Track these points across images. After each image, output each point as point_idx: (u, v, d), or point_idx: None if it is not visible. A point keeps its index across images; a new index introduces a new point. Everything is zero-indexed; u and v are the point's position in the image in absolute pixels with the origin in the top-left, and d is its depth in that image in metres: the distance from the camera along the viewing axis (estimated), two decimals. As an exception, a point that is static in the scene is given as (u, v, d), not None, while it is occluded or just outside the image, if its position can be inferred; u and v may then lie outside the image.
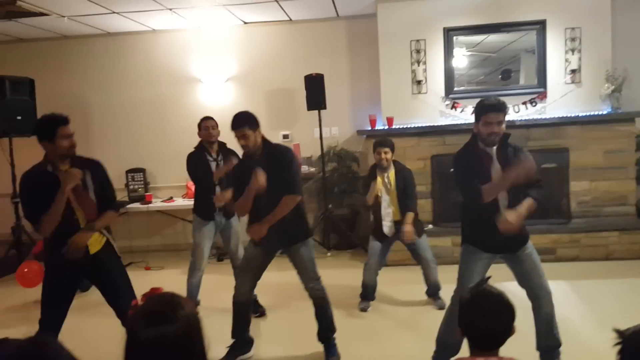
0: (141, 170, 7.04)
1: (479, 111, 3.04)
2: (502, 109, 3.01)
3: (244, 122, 3.37)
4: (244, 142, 3.37)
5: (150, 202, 6.72)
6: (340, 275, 5.71)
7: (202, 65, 7.03)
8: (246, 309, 3.65)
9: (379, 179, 4.54)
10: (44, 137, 3.01)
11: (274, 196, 3.37)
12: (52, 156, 3.04)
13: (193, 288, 4.54)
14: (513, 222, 2.90)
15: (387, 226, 4.53)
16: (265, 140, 3.48)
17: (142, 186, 7.01)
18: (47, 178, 2.99)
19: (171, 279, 5.75)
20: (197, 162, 4.49)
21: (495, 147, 3.04)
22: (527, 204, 3.00)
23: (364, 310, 4.58)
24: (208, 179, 4.43)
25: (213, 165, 4.47)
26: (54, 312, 3.13)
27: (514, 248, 3.12)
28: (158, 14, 6.15)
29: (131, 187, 7.00)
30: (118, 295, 3.15)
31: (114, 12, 5.98)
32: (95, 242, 3.17)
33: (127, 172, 7.00)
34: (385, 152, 4.46)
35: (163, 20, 6.45)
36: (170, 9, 5.95)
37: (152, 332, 1.31)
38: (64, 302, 3.15)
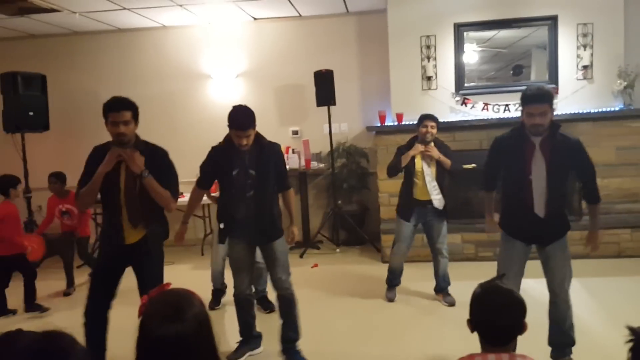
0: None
1: (522, 101, 3.01)
2: (544, 99, 2.92)
3: (250, 122, 3.27)
4: (246, 142, 3.27)
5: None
6: (349, 270, 5.73)
7: (212, 61, 7.05)
8: (249, 304, 3.67)
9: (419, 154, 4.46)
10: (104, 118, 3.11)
11: (263, 190, 3.40)
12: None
13: (215, 273, 4.63)
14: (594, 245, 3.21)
15: (436, 200, 4.47)
16: (257, 134, 3.38)
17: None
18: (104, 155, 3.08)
19: (182, 274, 5.79)
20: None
21: (541, 137, 2.99)
22: (594, 213, 3.21)
23: (391, 300, 4.64)
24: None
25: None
26: (98, 299, 3.19)
27: (544, 242, 3.12)
28: (168, 10, 6.18)
29: (142, 182, 7.01)
30: (144, 287, 3.16)
31: (124, 8, 6.01)
32: (133, 234, 3.20)
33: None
34: (432, 126, 4.41)
35: (173, 16, 6.47)
36: (181, 5, 5.97)
37: (163, 330, 1.33)
38: (108, 289, 3.20)
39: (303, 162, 6.68)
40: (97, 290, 3.20)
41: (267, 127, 6.87)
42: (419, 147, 4.43)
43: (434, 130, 4.43)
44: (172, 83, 7.10)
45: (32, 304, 4.85)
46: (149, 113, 7.07)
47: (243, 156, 3.34)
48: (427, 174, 4.47)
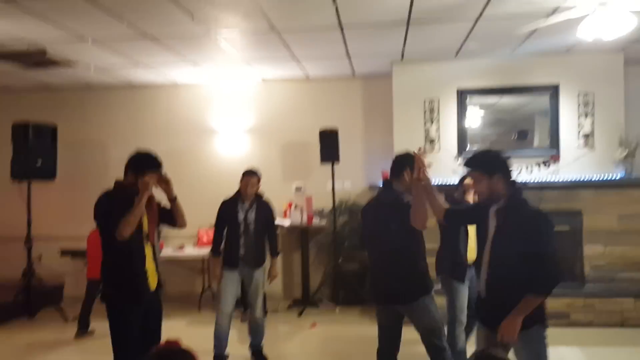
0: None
1: None
2: (471, 164, 2.76)
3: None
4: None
5: (161, 251, 6.72)
6: (349, 331, 5.63)
7: (220, 118, 7.21)
8: None
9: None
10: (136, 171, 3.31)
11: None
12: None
13: (218, 338, 4.53)
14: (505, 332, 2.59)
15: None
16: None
17: (155, 234, 7.04)
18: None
19: (176, 330, 5.67)
20: (227, 210, 4.59)
21: (497, 206, 2.70)
22: (525, 304, 2.57)
23: None
24: (234, 228, 4.53)
25: (241, 216, 4.54)
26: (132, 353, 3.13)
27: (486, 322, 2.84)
28: (180, 66, 6.36)
29: (144, 234, 7.03)
30: (151, 335, 3.20)
31: (137, 66, 6.20)
32: (154, 279, 3.29)
33: (141, 219, 7.06)
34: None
35: (185, 74, 6.67)
36: (193, 63, 6.17)
37: None
38: (138, 341, 3.15)
39: (305, 219, 6.70)
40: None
41: (272, 182, 6.95)
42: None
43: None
44: (180, 138, 7.22)
45: None
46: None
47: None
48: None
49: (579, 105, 6.08)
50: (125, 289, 3.18)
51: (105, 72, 6.49)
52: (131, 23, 4.66)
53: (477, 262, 2.92)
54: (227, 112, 7.20)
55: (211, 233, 4.85)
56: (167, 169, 7.79)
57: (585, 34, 3.78)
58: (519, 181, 2.86)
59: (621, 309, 5.48)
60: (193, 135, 7.26)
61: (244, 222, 4.53)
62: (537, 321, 2.63)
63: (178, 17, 4.47)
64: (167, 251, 6.76)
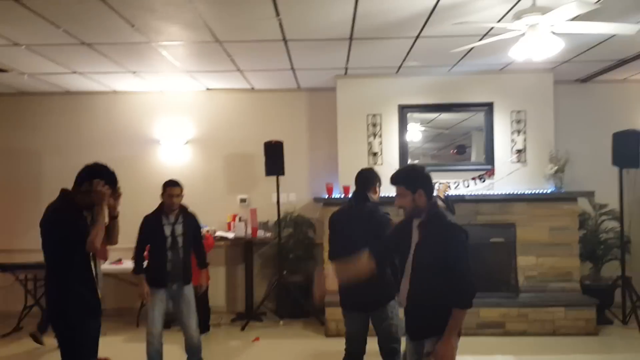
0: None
1: None
2: (396, 180, 2.85)
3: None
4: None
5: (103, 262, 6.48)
6: (292, 345, 5.60)
7: (162, 127, 7.06)
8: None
9: None
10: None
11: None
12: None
13: (150, 358, 4.33)
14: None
15: None
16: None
17: (91, 247, 6.78)
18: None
19: (112, 347, 5.48)
20: (151, 225, 4.38)
21: (420, 219, 2.79)
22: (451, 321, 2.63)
23: None
24: (159, 244, 4.33)
25: (167, 230, 4.35)
26: None
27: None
28: (121, 76, 6.21)
29: (79, 247, 6.76)
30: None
31: (75, 72, 6.00)
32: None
33: (76, 231, 6.80)
34: None
35: (125, 82, 6.51)
36: (133, 72, 6.03)
37: None
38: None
39: (249, 231, 6.65)
40: None
41: (215, 194, 6.90)
42: None
43: None
44: (119, 148, 7.00)
45: None
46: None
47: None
48: None
49: (512, 122, 6.38)
50: (86, 303, 3.09)
51: (40, 78, 6.24)
52: (68, 30, 4.52)
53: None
54: (169, 121, 7.06)
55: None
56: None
57: (517, 54, 3.98)
58: (435, 196, 3.00)
59: (553, 318, 5.73)
60: (133, 145, 7.06)
61: (172, 236, 4.33)
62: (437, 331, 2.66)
63: (117, 25, 4.36)
64: (104, 265, 6.52)
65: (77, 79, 6.33)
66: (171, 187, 4.37)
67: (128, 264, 6.44)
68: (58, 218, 3.05)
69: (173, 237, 4.34)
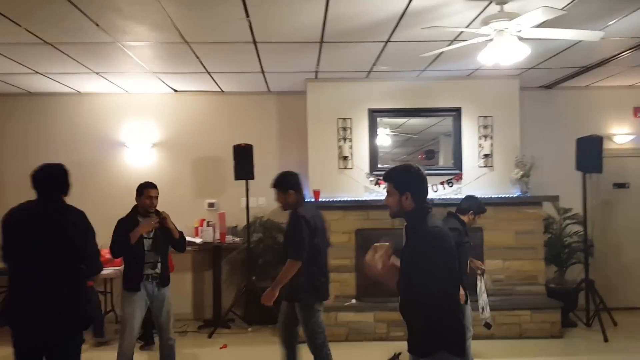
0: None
1: None
2: (385, 178, 2.76)
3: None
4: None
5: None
6: (260, 352, 5.52)
7: (128, 130, 6.90)
8: None
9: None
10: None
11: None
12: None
13: None
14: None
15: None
16: None
17: (52, 253, 6.57)
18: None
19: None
20: (127, 228, 4.26)
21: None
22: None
23: None
24: (137, 246, 4.23)
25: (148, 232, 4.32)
26: None
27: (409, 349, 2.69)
28: (85, 78, 6.04)
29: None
30: None
31: (37, 73, 5.81)
32: None
33: (37, 237, 6.58)
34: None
35: (90, 83, 6.34)
36: (98, 73, 5.87)
37: None
38: None
39: (218, 236, 6.54)
40: None
41: (182, 198, 6.76)
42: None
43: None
44: (83, 151, 6.81)
45: None
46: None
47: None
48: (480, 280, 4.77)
49: (479, 127, 6.47)
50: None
51: (0, 79, 6.02)
52: (30, 29, 4.36)
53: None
54: (135, 123, 6.90)
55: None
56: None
57: (485, 59, 4.02)
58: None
59: (519, 321, 5.81)
60: (98, 148, 6.88)
61: (150, 238, 4.28)
62: (442, 347, 2.47)
63: (82, 24, 4.23)
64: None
65: (39, 80, 6.12)
66: (149, 188, 4.37)
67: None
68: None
69: (151, 238, 4.29)
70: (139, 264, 4.24)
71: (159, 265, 4.31)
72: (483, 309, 4.52)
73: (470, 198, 4.56)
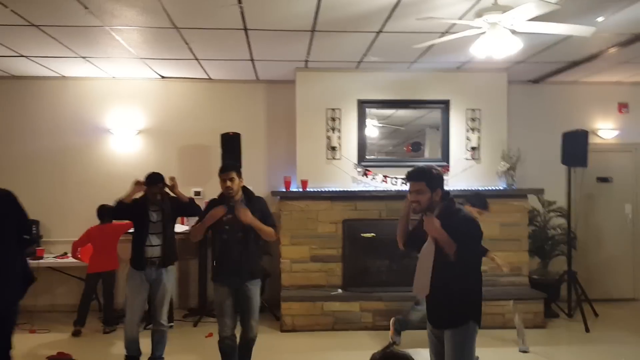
0: (34, 223, 6.52)
1: None
2: (417, 178, 3.05)
3: (232, 167, 4.07)
4: (230, 185, 3.93)
5: (41, 258, 6.19)
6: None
7: (113, 116, 6.79)
8: (231, 349, 3.99)
9: None
10: None
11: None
12: None
13: (129, 341, 4.47)
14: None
15: None
16: (244, 187, 4.11)
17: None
18: None
19: (57, 343, 5.25)
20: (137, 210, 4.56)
21: (433, 215, 3.01)
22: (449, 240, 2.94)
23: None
24: (143, 229, 4.51)
25: (154, 215, 4.55)
26: None
27: (437, 324, 3.10)
28: (70, 62, 5.93)
29: (21, 240, 6.44)
30: None
31: (22, 56, 5.68)
32: None
33: (18, 223, 6.47)
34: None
35: (76, 68, 6.22)
36: (84, 57, 5.76)
37: None
38: None
39: (204, 225, 6.49)
40: None
41: (168, 186, 6.68)
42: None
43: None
44: (67, 136, 6.71)
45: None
46: (39, 167, 6.67)
47: (237, 202, 3.99)
48: None
49: (467, 120, 6.51)
50: None
51: (-18, 60, 5.88)
52: (17, 10, 4.25)
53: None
54: (121, 109, 6.80)
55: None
56: (53, 169, 7.31)
57: (477, 51, 4.04)
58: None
59: (502, 312, 5.89)
60: (83, 134, 6.77)
61: (157, 221, 4.55)
62: (471, 317, 3.00)
63: (70, 7, 4.14)
64: (49, 259, 6.25)
65: (24, 63, 5.99)
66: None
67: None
68: None
69: (158, 222, 4.53)
70: (143, 246, 4.45)
71: (159, 247, 4.49)
72: None
73: (478, 196, 4.81)
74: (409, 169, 3.17)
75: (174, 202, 4.70)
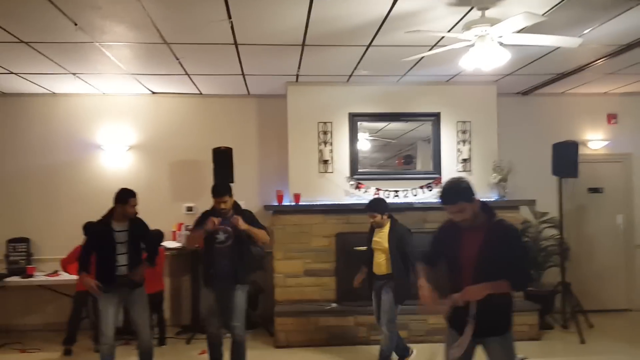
0: (25, 241, 6.46)
1: None
2: (450, 201, 2.95)
3: (225, 191, 4.50)
4: (224, 206, 4.43)
5: (31, 276, 6.11)
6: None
7: (104, 132, 6.77)
8: (217, 339, 4.57)
9: None
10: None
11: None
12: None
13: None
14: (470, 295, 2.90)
15: None
16: (235, 203, 4.57)
17: (25, 258, 6.42)
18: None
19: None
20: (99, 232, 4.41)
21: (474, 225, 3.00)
22: (496, 283, 2.89)
23: None
24: (108, 250, 4.34)
25: (119, 236, 4.37)
26: None
27: (478, 333, 3.01)
28: (60, 78, 5.91)
29: (11, 258, 6.39)
30: None
31: (11, 73, 5.66)
32: None
33: (8, 241, 6.44)
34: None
35: (65, 84, 6.20)
36: (74, 74, 5.75)
37: None
38: None
39: (196, 241, 6.45)
40: None
41: (160, 202, 6.66)
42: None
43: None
44: (57, 153, 6.67)
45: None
46: (27, 183, 6.63)
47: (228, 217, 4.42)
48: None
49: (457, 132, 6.54)
50: None
51: (-29, 78, 5.86)
52: (5, 27, 4.24)
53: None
54: (112, 126, 6.78)
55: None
56: (44, 186, 7.25)
57: (466, 64, 4.06)
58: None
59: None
60: (73, 150, 6.73)
61: (123, 242, 4.38)
62: (510, 327, 3.06)
63: (59, 23, 4.13)
64: (39, 277, 6.17)
65: (13, 80, 5.97)
66: (134, 197, 4.44)
67: (65, 276, 6.10)
68: None
69: (124, 242, 4.37)
70: (112, 267, 4.33)
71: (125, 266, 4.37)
72: None
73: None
74: (440, 192, 3.05)
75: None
